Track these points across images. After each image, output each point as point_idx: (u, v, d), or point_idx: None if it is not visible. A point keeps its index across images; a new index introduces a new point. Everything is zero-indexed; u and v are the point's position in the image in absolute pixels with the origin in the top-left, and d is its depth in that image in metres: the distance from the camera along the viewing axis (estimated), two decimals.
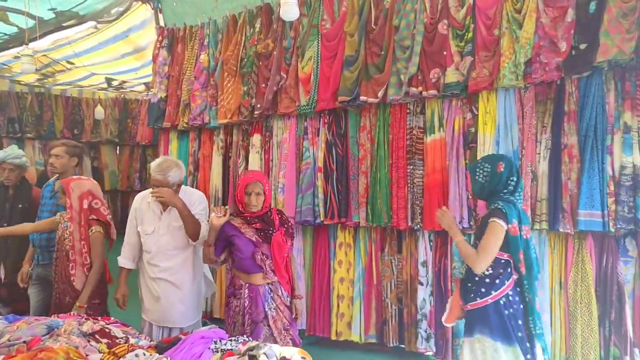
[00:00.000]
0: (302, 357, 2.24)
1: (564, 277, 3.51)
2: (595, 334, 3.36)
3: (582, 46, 3.34)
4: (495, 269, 2.63)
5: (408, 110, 4.01)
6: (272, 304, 3.02)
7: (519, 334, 2.58)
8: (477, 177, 2.79)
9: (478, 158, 3.68)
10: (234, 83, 4.77)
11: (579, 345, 3.40)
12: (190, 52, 5.15)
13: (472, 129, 3.77)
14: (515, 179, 2.72)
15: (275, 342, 2.90)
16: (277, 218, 3.13)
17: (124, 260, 3.40)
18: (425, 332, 3.93)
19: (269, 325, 2.99)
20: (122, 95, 10.01)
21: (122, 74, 8.16)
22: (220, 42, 4.94)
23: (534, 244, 2.82)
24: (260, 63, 4.62)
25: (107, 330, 2.52)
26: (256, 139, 4.71)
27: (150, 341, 2.57)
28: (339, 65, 4.16)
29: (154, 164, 3.21)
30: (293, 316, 3.15)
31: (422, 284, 3.96)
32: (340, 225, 4.32)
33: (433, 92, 3.78)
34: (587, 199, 3.34)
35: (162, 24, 5.59)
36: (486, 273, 2.63)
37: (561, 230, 3.41)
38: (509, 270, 2.65)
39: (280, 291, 3.07)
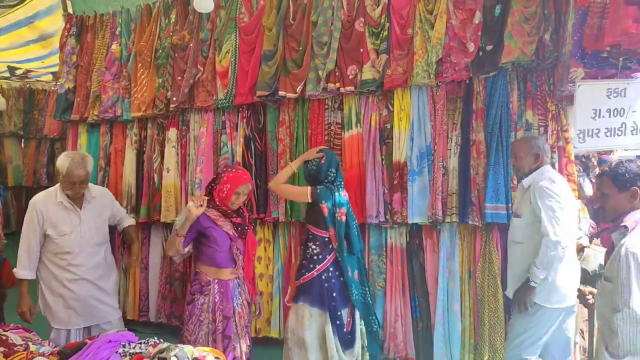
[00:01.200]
0: (216, 357, 2.18)
1: (473, 267, 3.69)
2: (502, 321, 3.55)
3: (489, 47, 3.51)
4: (320, 247, 3.13)
5: (326, 106, 4.03)
6: (239, 299, 3.00)
7: (333, 303, 3.11)
8: (308, 166, 3.27)
9: (393, 153, 3.79)
10: (148, 75, 4.56)
11: (486, 333, 3.58)
12: (101, 41, 4.86)
13: (388, 125, 3.85)
14: (334, 170, 3.23)
15: (238, 337, 2.93)
16: (247, 214, 3.15)
17: (25, 271, 3.13)
18: None
19: (235, 321, 2.93)
20: (28, 85, 9.28)
21: (27, 62, 7.55)
22: (134, 32, 4.70)
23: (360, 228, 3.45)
24: (176, 55, 4.44)
25: (4, 338, 2.33)
26: (172, 133, 4.53)
27: (54, 347, 2.40)
28: (257, 60, 4.10)
29: (71, 160, 3.08)
30: (257, 313, 3.24)
31: None
32: (259, 221, 4.26)
33: (350, 88, 3.82)
34: (493, 193, 3.52)
35: (70, 11, 5.23)
36: (314, 250, 3.14)
37: (470, 222, 3.57)
38: (330, 247, 3.16)
39: (244, 287, 3.07)
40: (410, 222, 3.73)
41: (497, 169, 3.52)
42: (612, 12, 2.07)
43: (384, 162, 3.85)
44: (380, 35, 3.77)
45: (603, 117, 2.89)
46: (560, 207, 2.78)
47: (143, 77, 4.57)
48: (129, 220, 3.57)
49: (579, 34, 2.56)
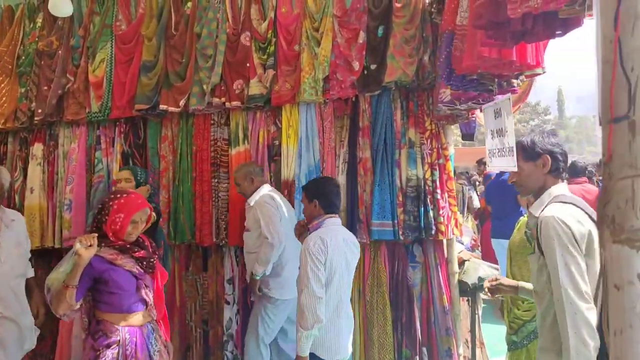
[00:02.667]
0: None
1: (362, 285, 3.66)
2: (390, 338, 3.55)
3: (373, 66, 3.57)
4: None
5: (212, 121, 3.85)
6: (156, 345, 2.51)
7: None
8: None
9: (282, 171, 3.69)
10: (9, 83, 4.07)
11: (375, 351, 3.56)
12: None
13: (276, 142, 3.76)
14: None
15: None
16: (148, 242, 2.66)
17: None
18: (232, 353, 3.75)
19: None
20: None
21: None
22: None
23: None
24: (42, 62, 4.01)
25: None
26: (37, 148, 4.06)
27: None
28: (136, 71, 3.81)
29: None
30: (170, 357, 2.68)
31: (228, 302, 3.78)
32: None
33: (237, 103, 3.68)
34: (379, 210, 3.54)
35: None
36: None
37: (358, 240, 3.55)
38: None
39: (160, 331, 2.59)
40: None
41: (383, 186, 3.55)
42: (468, 37, 2.15)
43: (272, 179, 3.73)
44: (267, 50, 3.68)
45: (494, 138, 3.01)
46: (275, 215, 3.34)
47: (3, 85, 4.06)
48: (31, 270, 3.11)
49: (444, 56, 2.66)
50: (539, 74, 2.40)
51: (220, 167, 3.78)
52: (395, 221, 3.51)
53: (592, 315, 1.68)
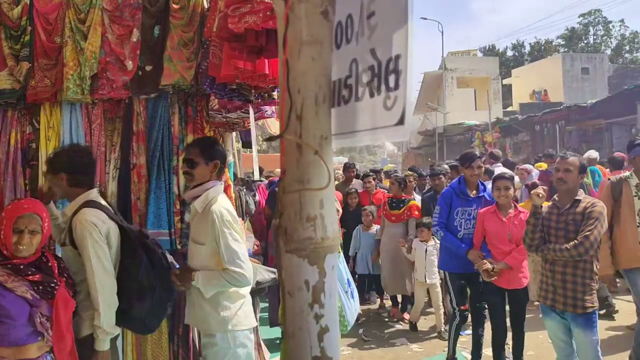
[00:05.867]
0: None
1: None
2: (165, 351, 3.41)
3: (148, 67, 3.40)
4: None
5: None
6: None
7: None
8: None
9: (40, 177, 3.27)
10: None
11: None
12: None
13: (33, 145, 3.32)
14: None
15: None
16: (54, 264, 2.27)
17: None
18: None
19: None
20: None
21: None
22: None
23: None
24: None
25: None
26: None
27: None
28: None
29: None
30: None
31: None
32: None
33: None
34: (155, 218, 3.38)
35: None
36: None
37: None
38: None
39: None
40: None
41: (159, 194, 3.39)
42: (225, 46, 2.19)
43: (27, 188, 3.28)
44: (21, 40, 3.24)
45: None
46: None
47: None
48: None
49: (206, 64, 2.67)
50: None
51: None
52: (172, 230, 3.39)
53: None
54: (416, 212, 5.65)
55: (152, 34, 3.42)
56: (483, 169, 4.31)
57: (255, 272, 3.74)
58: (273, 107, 3.08)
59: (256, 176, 3.23)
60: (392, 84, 0.86)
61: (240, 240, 2.55)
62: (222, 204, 2.58)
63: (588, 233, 2.96)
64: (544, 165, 7.96)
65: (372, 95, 0.92)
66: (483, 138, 20.41)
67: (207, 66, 2.63)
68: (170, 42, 3.39)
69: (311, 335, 1.00)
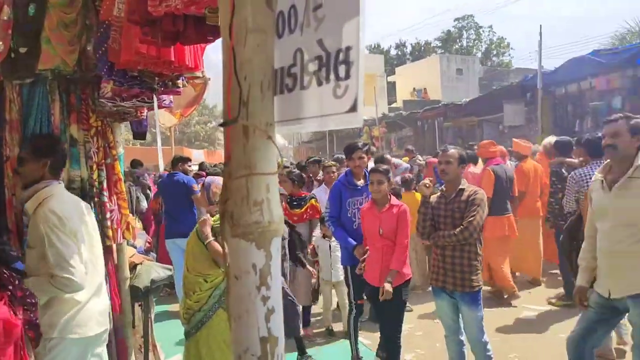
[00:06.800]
0: None
1: None
2: None
3: (23, 50, 3.06)
4: None
5: None
6: None
7: None
8: None
9: None
10: None
11: None
12: None
13: None
14: None
15: None
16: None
17: None
18: None
19: None
20: None
21: None
22: None
23: None
24: None
25: None
26: None
27: None
28: None
29: None
30: None
31: None
32: None
33: None
34: None
35: None
36: None
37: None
38: None
39: None
40: None
41: None
42: (125, 30, 2.08)
43: None
44: None
45: None
46: None
47: None
48: None
49: (104, 48, 2.50)
50: (199, 77, 2.50)
51: None
52: None
53: None
54: (317, 215, 5.27)
55: (25, 13, 3.09)
56: (366, 158, 4.45)
57: (149, 270, 3.60)
58: (171, 97, 2.97)
59: (161, 168, 3.08)
60: (342, 74, 0.92)
61: (70, 243, 2.40)
62: (50, 205, 2.44)
63: (471, 219, 3.31)
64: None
65: (319, 84, 0.97)
66: (371, 133, 21.49)
67: (105, 51, 2.45)
68: (49, 23, 3.08)
69: (258, 317, 1.02)
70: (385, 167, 3.99)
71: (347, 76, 0.90)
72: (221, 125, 0.99)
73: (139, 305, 3.69)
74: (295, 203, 5.31)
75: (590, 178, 4.62)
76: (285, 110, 1.05)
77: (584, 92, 14.34)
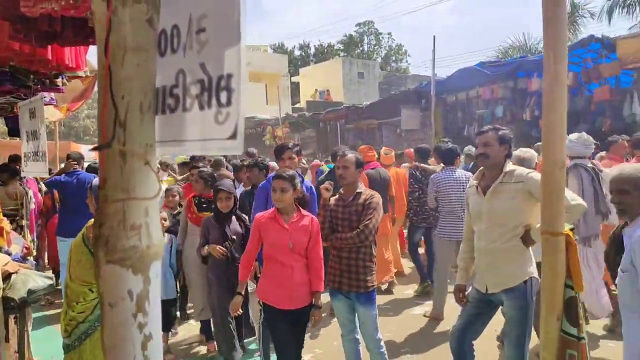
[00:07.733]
0: None
1: None
2: None
3: None
4: None
5: None
6: None
7: None
8: None
9: None
10: None
11: None
12: None
13: None
14: None
15: None
16: None
17: None
18: None
19: None
20: None
21: None
22: None
23: None
24: None
25: None
26: None
27: None
28: None
29: None
30: None
31: None
32: None
33: None
34: None
35: None
36: None
37: None
38: None
39: None
40: None
41: None
42: None
43: None
44: None
45: (29, 140, 2.66)
46: None
47: None
48: None
49: None
50: (81, 77, 2.34)
51: None
52: None
53: None
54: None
55: None
56: (297, 159, 4.38)
57: (26, 279, 3.31)
58: (52, 94, 2.75)
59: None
60: (223, 100, 0.91)
61: None
62: None
63: (368, 222, 3.44)
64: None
65: (202, 108, 0.96)
66: (274, 132, 21.33)
67: None
68: None
69: (135, 345, 0.99)
70: (290, 172, 3.55)
71: (229, 103, 0.91)
72: (94, 149, 0.94)
73: (14, 318, 3.37)
74: (205, 205, 4.90)
75: (445, 180, 5.44)
76: (166, 131, 1.03)
77: (472, 100, 15.52)
